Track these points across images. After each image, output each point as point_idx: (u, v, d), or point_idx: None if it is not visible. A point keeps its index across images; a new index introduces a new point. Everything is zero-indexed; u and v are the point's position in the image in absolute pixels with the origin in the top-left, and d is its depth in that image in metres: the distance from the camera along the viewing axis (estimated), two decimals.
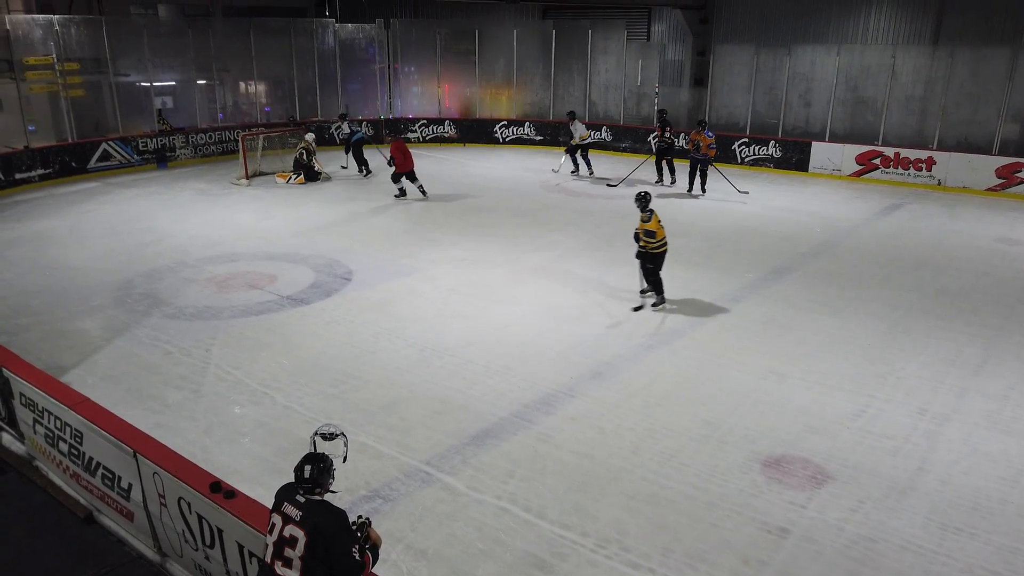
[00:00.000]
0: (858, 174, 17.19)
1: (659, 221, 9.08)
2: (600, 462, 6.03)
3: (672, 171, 16.43)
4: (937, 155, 16.34)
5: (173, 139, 17.93)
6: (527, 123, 21.52)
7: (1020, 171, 15.35)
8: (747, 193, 15.23)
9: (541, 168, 18.36)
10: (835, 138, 17.94)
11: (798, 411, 6.83)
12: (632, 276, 10.47)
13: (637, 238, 9.21)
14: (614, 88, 21.13)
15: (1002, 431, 6.52)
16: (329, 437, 3.68)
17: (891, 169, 16.80)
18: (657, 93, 21.22)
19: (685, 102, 21.04)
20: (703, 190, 15.47)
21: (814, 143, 17.81)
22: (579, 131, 17.04)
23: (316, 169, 16.35)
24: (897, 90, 17.36)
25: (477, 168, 18.61)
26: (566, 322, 8.85)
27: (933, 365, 7.77)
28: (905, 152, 16.67)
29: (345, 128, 17.25)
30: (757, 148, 18.49)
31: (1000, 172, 15.59)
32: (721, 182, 15.64)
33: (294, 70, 20.42)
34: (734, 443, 6.29)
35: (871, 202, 15.16)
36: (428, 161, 19.26)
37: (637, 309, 9.20)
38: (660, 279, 9.27)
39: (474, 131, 21.62)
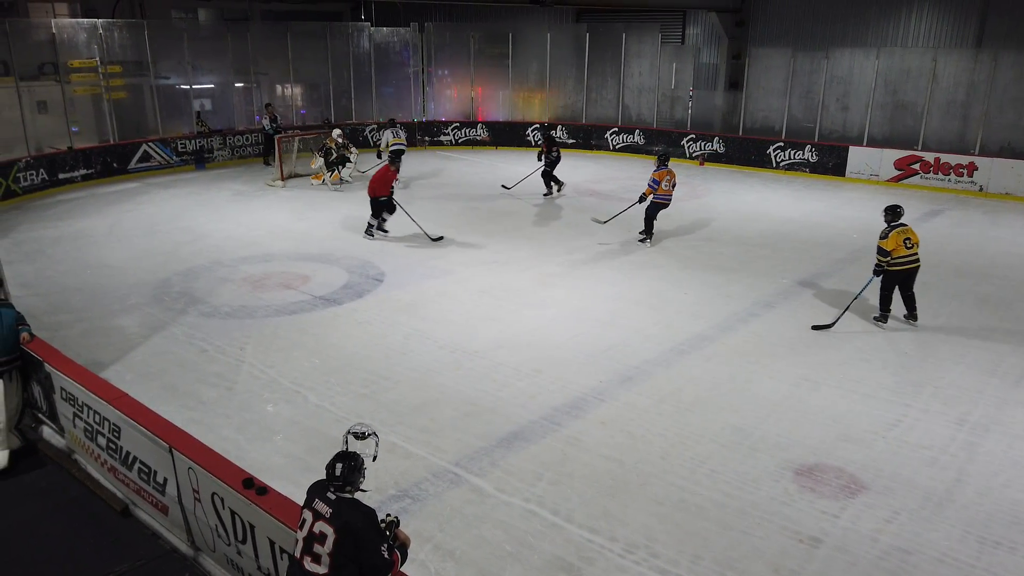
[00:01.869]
0: (897, 179, 16.87)
1: (902, 237, 8.50)
2: (629, 467, 5.99)
3: (557, 181, 15.50)
4: (979, 160, 15.97)
5: (211, 141, 18.25)
6: (559, 126, 21.50)
7: None
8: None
9: (574, 171, 18.33)
10: (873, 143, 17.62)
11: (832, 419, 6.72)
12: (660, 279, 10.42)
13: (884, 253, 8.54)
14: (647, 91, 21.02)
15: None
16: (361, 436, 3.73)
17: (931, 175, 16.46)
18: (691, 96, 21.08)
19: (720, 106, 20.85)
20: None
21: (851, 147, 17.53)
22: (385, 139, 16.38)
23: (348, 156, 16.42)
24: (938, 94, 17.00)
25: (508, 172, 18.63)
26: (596, 326, 8.82)
27: (972, 375, 7.59)
28: (946, 157, 16.32)
29: (389, 136, 16.40)
30: (793, 152, 18.25)
31: None
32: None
33: (329, 73, 20.66)
34: (766, 451, 6.21)
35: (910, 208, 14.75)
36: (460, 164, 19.38)
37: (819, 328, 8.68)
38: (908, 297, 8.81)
39: (507, 134, 21.66)
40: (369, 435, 3.74)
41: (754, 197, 15.71)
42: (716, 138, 19.43)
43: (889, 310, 8.77)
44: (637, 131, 20.60)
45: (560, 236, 12.61)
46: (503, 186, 16.03)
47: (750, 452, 6.20)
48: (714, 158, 19.37)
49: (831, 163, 17.72)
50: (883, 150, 17.16)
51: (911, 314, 8.76)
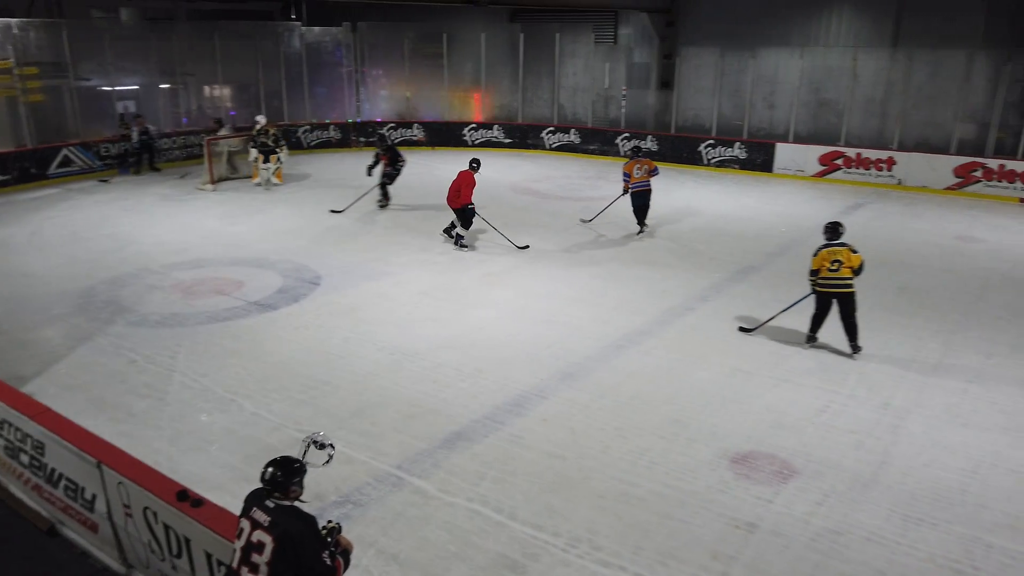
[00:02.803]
0: (821, 174, 17.49)
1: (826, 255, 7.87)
2: (571, 462, 6.06)
3: (386, 195, 14.36)
4: (897, 155, 16.70)
5: (136, 144, 17.62)
6: (496, 126, 21.56)
7: (976, 170, 15.75)
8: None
9: (511, 171, 18.41)
10: (799, 139, 18.24)
11: (765, 408, 6.93)
12: (599, 277, 10.56)
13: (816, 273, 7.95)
14: (582, 91, 21.26)
15: (961, 424, 6.68)
16: (321, 446, 3.63)
17: (853, 169, 17.12)
18: (625, 96, 21.42)
19: (652, 105, 21.23)
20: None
21: (778, 144, 18.09)
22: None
23: (278, 152, 16.10)
24: (858, 92, 17.70)
25: (446, 171, 18.54)
26: (537, 324, 8.88)
27: (895, 360, 7.93)
28: (866, 152, 17.01)
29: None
30: (723, 149, 18.72)
31: (958, 171, 15.98)
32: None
33: (260, 74, 20.21)
34: (703, 441, 6.37)
35: (834, 201, 15.43)
36: None
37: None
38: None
39: (443, 134, 21.60)
40: (326, 445, 3.65)
41: (687, 194, 16.06)
42: (649, 136, 19.79)
43: (815, 333, 8.14)
44: (573, 130, 20.81)
45: (501, 236, 12.63)
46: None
47: (688, 443, 6.35)
48: (648, 156, 19.67)
49: (759, 159, 18.26)
50: (808, 146, 17.77)
51: (851, 344, 7.94)
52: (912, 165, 16.50)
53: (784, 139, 18.33)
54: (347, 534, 3.72)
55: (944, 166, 16.13)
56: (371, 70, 22.05)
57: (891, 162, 16.70)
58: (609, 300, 9.68)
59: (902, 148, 16.97)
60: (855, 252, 7.72)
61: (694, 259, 11.43)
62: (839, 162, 17.27)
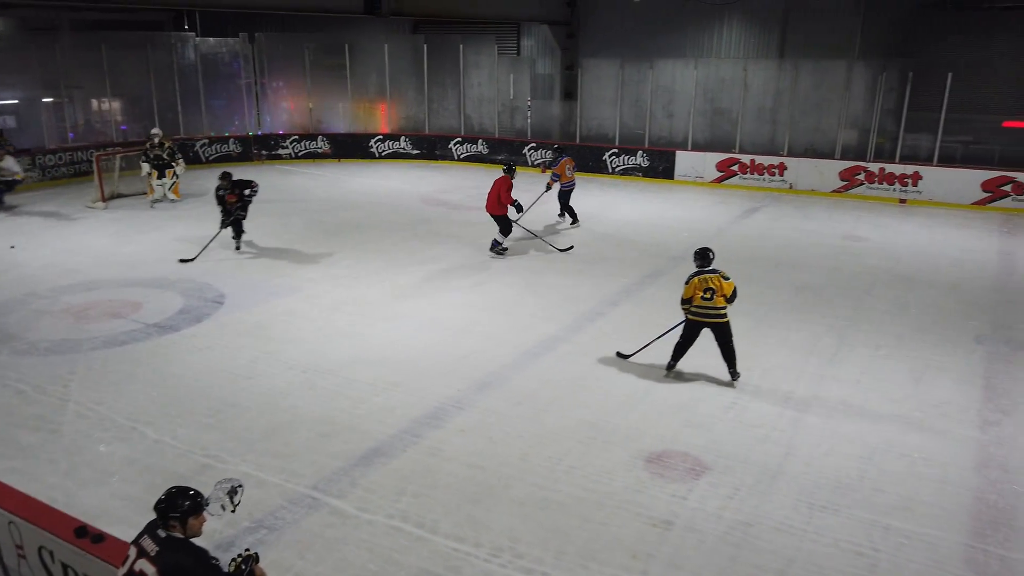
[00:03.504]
0: (719, 180, 18.22)
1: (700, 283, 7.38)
2: (491, 472, 6.06)
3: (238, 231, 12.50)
4: (788, 161, 17.60)
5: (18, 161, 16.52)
6: (403, 137, 21.43)
7: (859, 174, 16.78)
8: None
9: (420, 182, 18.34)
10: (697, 147, 18.95)
11: (676, 407, 7.15)
12: (511, 285, 10.63)
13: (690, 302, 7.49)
14: (488, 102, 21.41)
15: (856, 413, 7.08)
16: (232, 492, 3.45)
17: (748, 175, 17.92)
18: (530, 106, 21.72)
19: (557, 115, 21.61)
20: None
21: (678, 152, 18.74)
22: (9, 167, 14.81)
23: (174, 166, 15.47)
24: (750, 101, 18.59)
25: (354, 184, 18.34)
26: (452, 334, 8.86)
27: (794, 356, 8.33)
28: (760, 159, 17.85)
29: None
30: (626, 158, 19.24)
31: (843, 175, 16.98)
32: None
33: (152, 86, 19.37)
34: (618, 443, 6.50)
35: (732, 206, 16.11)
36: (302, 178, 18.81)
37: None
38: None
39: (348, 146, 21.29)
40: (238, 488, 3.48)
41: (594, 202, 16.40)
42: (556, 145, 20.07)
43: (676, 362, 7.73)
44: (480, 140, 20.92)
45: (412, 247, 12.55)
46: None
47: (604, 446, 6.46)
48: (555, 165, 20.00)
49: (661, 167, 18.86)
50: (706, 154, 18.49)
51: (731, 371, 7.60)
52: (801, 170, 17.42)
53: (684, 147, 19.01)
54: (262, 561, 3.59)
55: (830, 170, 17.11)
56: (271, 82, 21.51)
57: (783, 168, 17.58)
58: (523, 308, 9.76)
59: (792, 154, 17.90)
60: (727, 279, 7.33)
61: (603, 265, 11.68)
62: (735, 168, 18.04)
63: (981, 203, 15.72)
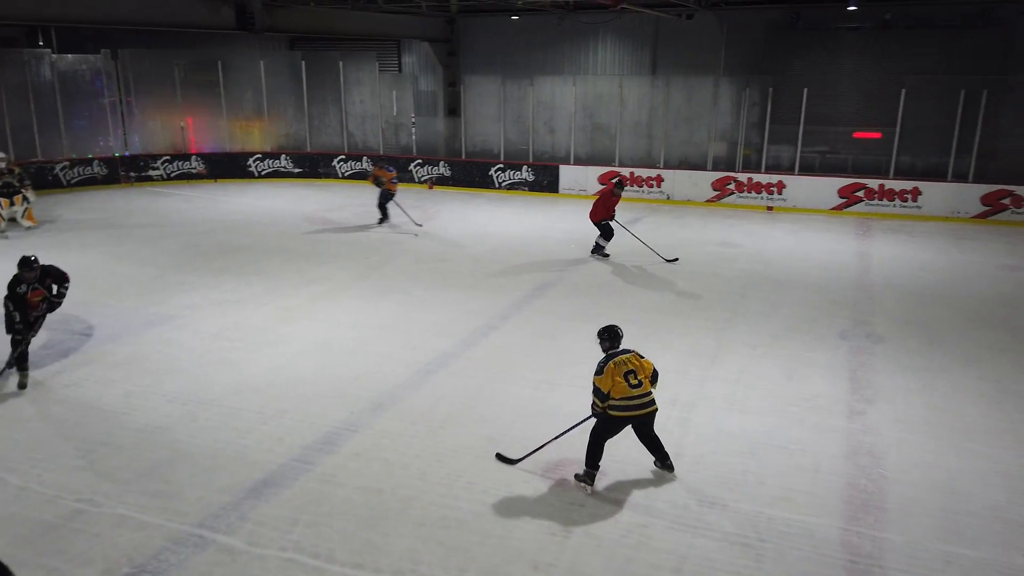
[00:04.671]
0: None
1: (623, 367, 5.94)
2: (388, 494, 5.95)
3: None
4: (664, 173, 18.38)
5: None
6: (284, 155, 20.86)
7: (730, 184, 17.74)
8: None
9: (303, 201, 17.88)
10: (579, 161, 19.50)
11: (570, 415, 7.21)
12: (402, 303, 10.52)
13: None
14: (371, 118, 21.21)
15: (738, 411, 7.43)
16: None
17: (628, 187, 18.54)
18: (414, 123, 21.67)
19: (441, 131, 21.67)
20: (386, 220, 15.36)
21: (561, 166, 19.21)
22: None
23: (24, 192, 14.37)
24: (627, 116, 19.33)
25: (233, 204, 17.65)
26: (342, 356, 8.65)
27: (679, 358, 8.67)
28: (639, 171, 18.55)
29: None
30: (512, 173, 19.52)
31: (715, 185, 17.90)
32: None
33: (4, 106, 17.94)
34: (516, 454, 6.53)
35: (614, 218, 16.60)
36: (176, 200, 17.95)
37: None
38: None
39: (225, 166, 20.49)
40: None
41: (483, 217, 16.53)
42: (442, 162, 20.16)
43: (597, 468, 6.06)
44: (365, 158, 20.65)
45: (297, 268, 12.20)
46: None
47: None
48: (442, 181, 20.07)
49: (546, 181, 19.25)
50: (588, 167, 19.04)
51: (664, 464, 6.25)
52: (677, 181, 18.24)
53: (566, 161, 19.50)
54: None
55: (703, 181, 18.01)
56: (139, 100, 20.39)
57: (660, 179, 18.34)
58: (415, 325, 9.68)
59: (668, 166, 18.72)
60: (642, 356, 6.07)
61: (494, 279, 11.76)
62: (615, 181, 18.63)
63: (839, 208, 16.97)
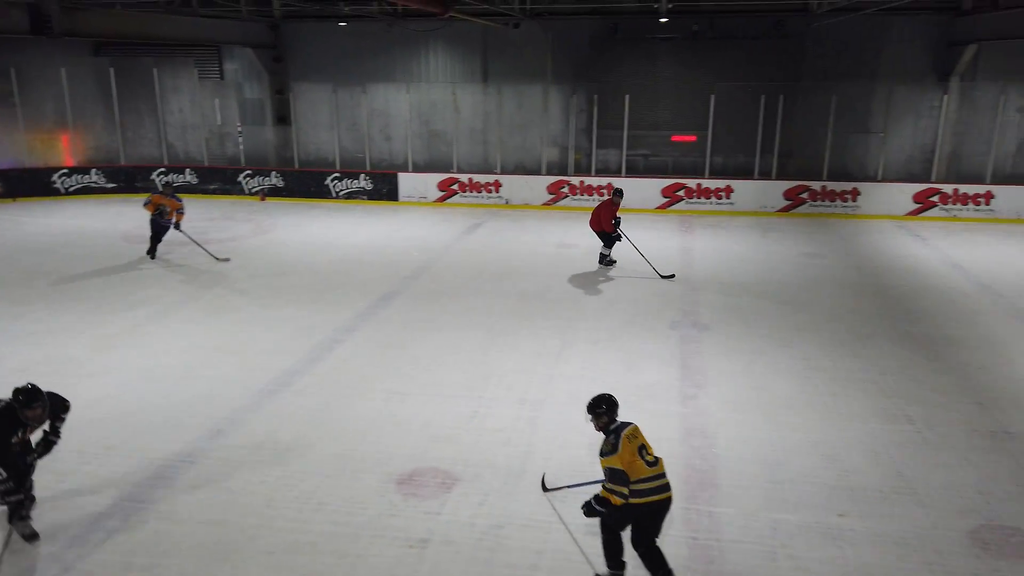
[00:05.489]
0: (442, 199, 18.86)
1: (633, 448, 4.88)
2: (233, 525, 5.63)
3: None
4: (502, 178, 18.75)
5: None
6: (94, 169, 19.19)
7: (564, 187, 18.41)
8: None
9: (120, 218, 16.53)
10: (417, 168, 19.47)
11: (422, 425, 7.23)
12: (239, 322, 10.01)
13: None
14: (193, 128, 20.02)
15: (583, 404, 7.70)
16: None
17: (468, 193, 18.78)
18: (240, 132, 20.68)
19: (271, 140, 20.84)
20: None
21: (400, 174, 19.07)
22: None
23: None
24: (462, 123, 19.56)
25: (38, 225, 16.00)
26: (173, 383, 8.09)
27: (525, 359, 8.87)
28: (477, 177, 18.80)
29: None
30: (349, 182, 19.12)
31: (550, 189, 18.50)
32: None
33: None
34: (368, 470, 6.41)
35: (456, 223, 16.76)
36: None
37: None
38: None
39: (26, 182, 18.53)
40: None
41: (320, 227, 16.07)
42: (273, 172, 19.39)
43: (623, 565, 5.07)
44: (188, 170, 19.44)
45: (117, 291, 11.25)
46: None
47: (354, 475, 6.33)
48: (276, 192, 19.30)
49: (385, 189, 19.04)
50: (427, 175, 19.05)
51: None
52: (514, 186, 18.68)
53: (405, 169, 19.40)
54: None
55: (539, 185, 18.56)
56: None
57: (497, 184, 18.69)
58: (254, 345, 9.23)
59: (504, 171, 19.13)
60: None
61: (335, 292, 11.47)
62: (455, 187, 18.80)
63: (663, 207, 18.10)
